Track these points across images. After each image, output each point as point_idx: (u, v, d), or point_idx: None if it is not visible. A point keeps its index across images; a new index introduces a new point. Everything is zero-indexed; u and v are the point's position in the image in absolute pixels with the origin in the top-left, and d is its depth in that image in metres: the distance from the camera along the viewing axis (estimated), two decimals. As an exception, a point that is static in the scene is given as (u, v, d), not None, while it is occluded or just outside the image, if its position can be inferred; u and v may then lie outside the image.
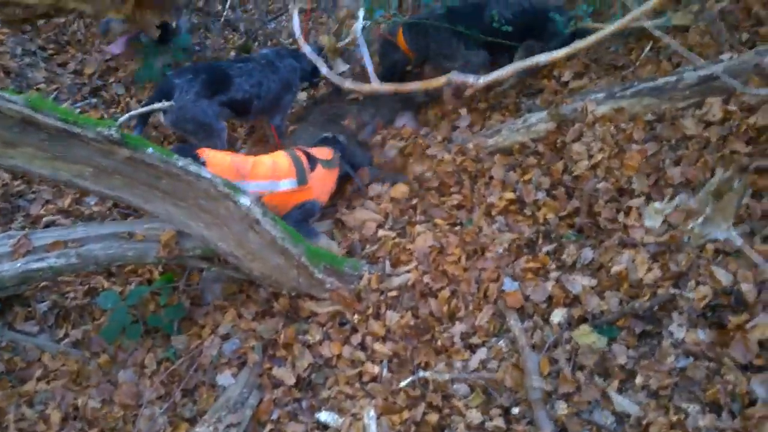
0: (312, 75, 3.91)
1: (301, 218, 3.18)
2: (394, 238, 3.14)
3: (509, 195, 3.11)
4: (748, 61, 2.81)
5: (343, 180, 3.49)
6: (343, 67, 3.51)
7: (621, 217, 2.67)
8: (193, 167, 2.50)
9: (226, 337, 2.85)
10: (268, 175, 3.07)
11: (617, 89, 3.13)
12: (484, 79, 1.47)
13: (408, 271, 2.94)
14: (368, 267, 2.98)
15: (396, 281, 2.90)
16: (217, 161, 2.93)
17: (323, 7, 4.57)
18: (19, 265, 2.58)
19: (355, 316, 2.79)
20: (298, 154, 3.23)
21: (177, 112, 3.39)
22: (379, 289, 2.88)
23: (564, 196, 2.97)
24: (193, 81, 3.46)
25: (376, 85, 1.44)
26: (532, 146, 3.27)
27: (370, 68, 2.09)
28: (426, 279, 2.86)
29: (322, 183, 3.29)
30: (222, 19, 4.89)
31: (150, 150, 2.43)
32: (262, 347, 2.78)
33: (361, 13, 1.68)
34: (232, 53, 4.88)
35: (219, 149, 3.40)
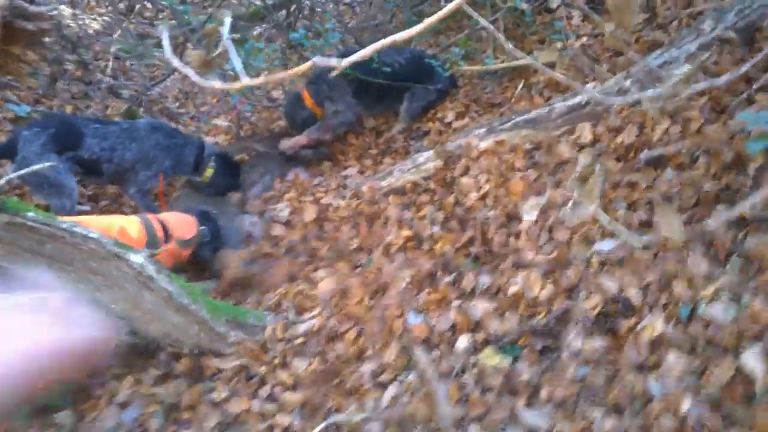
0: (195, 168, 3.79)
1: None
2: (297, 286, 3.12)
3: (406, 232, 3.17)
4: (611, 88, 3.04)
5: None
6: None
7: (512, 241, 2.78)
8: (79, 229, 2.41)
9: (124, 405, 2.69)
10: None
11: (496, 123, 3.30)
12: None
13: (313, 317, 2.91)
14: (272, 317, 2.93)
15: (301, 328, 2.86)
16: None
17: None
18: None
19: (262, 368, 2.72)
20: (153, 224, 3.11)
21: (20, 165, 3.22)
22: (284, 338, 2.83)
23: (458, 227, 3.05)
24: (40, 133, 3.30)
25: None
26: (423, 184, 3.37)
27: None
28: (331, 323, 2.84)
29: (171, 256, 3.19)
30: (103, 86, 4.79)
31: (30, 213, 2.32)
32: (164, 412, 2.65)
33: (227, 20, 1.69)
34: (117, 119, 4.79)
35: (68, 209, 3.27)
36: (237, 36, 5.96)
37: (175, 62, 1.04)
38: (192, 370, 2.77)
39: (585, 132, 2.93)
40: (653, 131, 2.76)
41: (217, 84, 0.98)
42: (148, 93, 5.13)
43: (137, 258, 2.46)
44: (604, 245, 2.52)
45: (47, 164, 2.53)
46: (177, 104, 5.37)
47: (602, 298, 2.36)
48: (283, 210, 3.73)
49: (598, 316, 2.33)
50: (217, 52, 1.00)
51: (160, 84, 5.31)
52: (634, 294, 2.31)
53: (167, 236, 3.16)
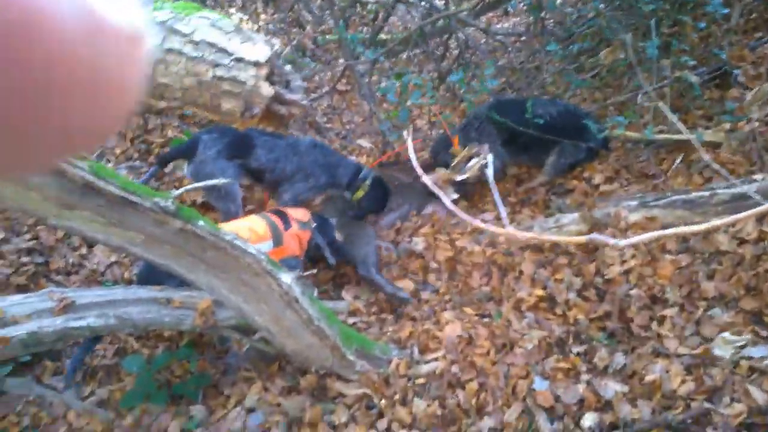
0: (348, 186, 3.92)
1: None
2: (423, 325, 3.18)
3: (539, 292, 3.16)
4: (780, 183, 2.91)
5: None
6: (454, 196, 3.78)
7: (654, 325, 2.71)
8: (240, 242, 2.57)
9: (251, 411, 2.84)
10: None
11: (650, 198, 3.23)
12: (624, 243, 1.62)
13: (436, 359, 2.96)
14: (397, 352, 3.00)
15: (424, 369, 2.91)
16: None
17: (362, 93, 4.76)
18: (59, 322, 2.61)
19: (383, 401, 2.78)
20: (272, 219, 3.35)
21: (197, 166, 3.51)
22: (407, 375, 2.89)
23: (595, 298, 3.01)
24: (218, 140, 3.56)
25: (511, 230, 1.57)
26: (563, 246, 3.34)
27: (503, 213, 2.15)
28: (454, 369, 2.87)
29: (297, 241, 3.41)
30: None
31: (201, 222, 2.51)
32: (287, 424, 2.77)
33: (490, 158, 1.82)
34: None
35: (233, 212, 3.50)
36: (389, 64, 6.16)
37: (426, 180, 1.11)
38: (315, 388, 2.88)
39: (748, 226, 2.81)
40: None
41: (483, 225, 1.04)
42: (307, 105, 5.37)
43: (286, 278, 2.60)
44: (756, 351, 2.41)
45: (224, 180, 2.73)
46: (325, 119, 5.58)
47: (747, 406, 2.26)
48: (418, 244, 3.81)
49: (740, 425, 2.24)
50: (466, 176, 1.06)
51: (315, 100, 5.54)
52: (784, 411, 2.20)
53: (288, 222, 3.36)
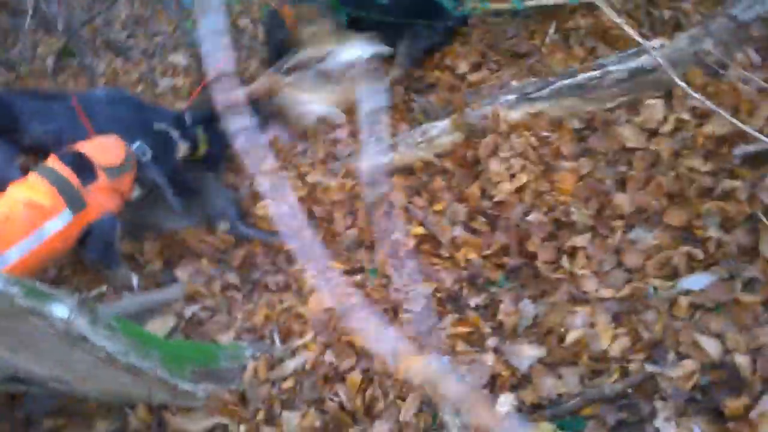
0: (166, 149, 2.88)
1: (102, 245, 2.51)
2: (281, 302, 2.49)
3: (418, 229, 2.52)
4: (684, 49, 2.33)
5: None
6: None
7: (565, 260, 2.13)
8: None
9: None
10: (24, 229, 2.21)
11: (531, 89, 2.58)
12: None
13: (303, 347, 2.30)
14: (251, 350, 2.30)
15: (290, 365, 2.24)
16: None
17: None
18: None
19: (242, 427, 2.11)
20: (61, 173, 2.37)
21: None
22: (269, 380, 2.22)
23: (487, 228, 2.40)
24: None
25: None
26: (437, 164, 2.68)
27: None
28: (328, 356, 2.22)
29: (109, 194, 2.51)
30: (32, 16, 3.89)
31: None
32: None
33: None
34: (50, 60, 3.90)
35: None
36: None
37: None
38: (150, 426, 2.16)
39: (656, 112, 2.23)
40: (751, 116, 2.08)
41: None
42: (90, 22, 4.24)
43: (62, 312, 1.78)
44: (694, 281, 1.90)
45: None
46: (125, 34, 4.46)
47: (699, 362, 1.76)
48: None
49: (694, 388, 1.74)
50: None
51: (106, 11, 4.39)
52: (743, 361, 1.71)
53: (89, 173, 2.45)
